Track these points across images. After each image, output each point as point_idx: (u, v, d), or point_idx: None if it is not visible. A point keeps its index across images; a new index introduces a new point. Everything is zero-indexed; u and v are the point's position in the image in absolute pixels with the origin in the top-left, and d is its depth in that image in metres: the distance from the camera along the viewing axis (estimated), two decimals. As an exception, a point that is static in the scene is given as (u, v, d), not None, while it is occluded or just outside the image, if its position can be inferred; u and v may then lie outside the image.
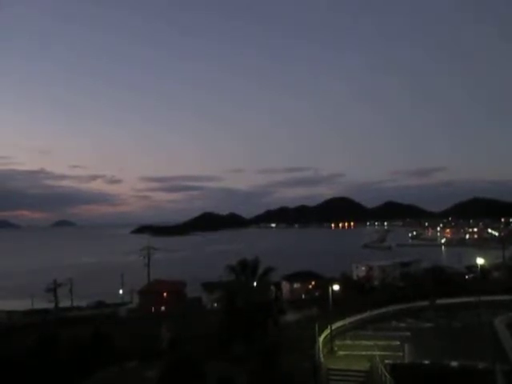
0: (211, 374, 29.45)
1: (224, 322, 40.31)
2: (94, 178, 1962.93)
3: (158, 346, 46.68)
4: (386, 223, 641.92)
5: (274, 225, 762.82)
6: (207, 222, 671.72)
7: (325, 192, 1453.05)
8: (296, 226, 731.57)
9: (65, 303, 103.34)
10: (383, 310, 54.50)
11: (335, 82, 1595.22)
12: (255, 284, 43.36)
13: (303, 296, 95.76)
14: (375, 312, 52.99)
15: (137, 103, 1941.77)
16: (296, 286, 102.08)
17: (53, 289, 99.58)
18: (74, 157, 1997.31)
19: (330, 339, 39.28)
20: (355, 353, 36.86)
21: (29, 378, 32.07)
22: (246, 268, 43.43)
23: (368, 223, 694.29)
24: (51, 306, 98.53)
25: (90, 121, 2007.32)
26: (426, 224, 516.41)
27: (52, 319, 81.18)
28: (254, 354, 32.79)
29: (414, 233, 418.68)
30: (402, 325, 49.62)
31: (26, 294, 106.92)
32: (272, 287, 53.91)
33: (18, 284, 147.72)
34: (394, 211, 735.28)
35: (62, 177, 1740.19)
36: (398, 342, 37.94)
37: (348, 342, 41.18)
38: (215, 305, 77.54)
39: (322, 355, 34.04)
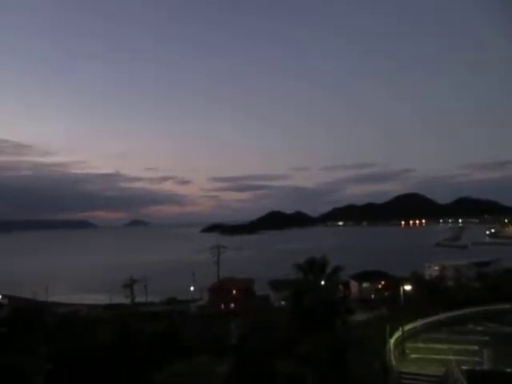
0: (280, 372, 29.66)
1: (292, 321, 40.37)
2: (165, 179, 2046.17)
3: (228, 343, 47.75)
4: (460, 220, 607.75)
5: (341, 223, 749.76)
6: (274, 221, 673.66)
7: (393, 188, 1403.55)
8: (364, 223, 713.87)
9: (140, 299, 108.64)
10: (458, 312, 51.77)
11: (405, 74, 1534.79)
12: (323, 283, 42.98)
13: (372, 296, 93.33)
14: (450, 314, 50.48)
15: (205, 107, 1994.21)
16: (365, 285, 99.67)
17: (129, 285, 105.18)
18: (146, 160, 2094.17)
19: (402, 341, 38.06)
20: (428, 356, 35.44)
21: (107, 369, 34.02)
22: (314, 267, 43.12)
23: (441, 220, 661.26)
24: (128, 301, 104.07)
25: (161, 124, 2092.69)
26: (506, 221, 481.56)
27: (128, 314, 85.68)
28: (322, 353, 32.56)
29: (493, 230, 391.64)
30: (480, 328, 46.87)
31: (104, 290, 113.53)
32: (340, 286, 53.21)
33: (98, 280, 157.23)
34: (469, 207, 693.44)
35: (136, 179, 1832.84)
36: (476, 347, 35.94)
37: (420, 344, 39.66)
38: (283, 303, 77.79)
39: (393, 357, 33.08)
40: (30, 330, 70.82)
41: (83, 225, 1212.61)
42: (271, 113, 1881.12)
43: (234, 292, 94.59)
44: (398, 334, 38.88)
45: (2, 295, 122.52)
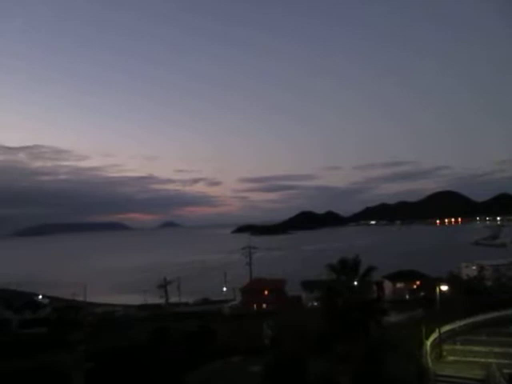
0: (313, 373, 29.57)
1: (325, 321, 40.09)
2: (196, 181, 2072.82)
3: (261, 343, 47.92)
4: (498, 218, 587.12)
5: (373, 222, 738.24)
6: (305, 221, 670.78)
7: (427, 186, 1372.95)
8: (397, 222, 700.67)
9: (173, 299, 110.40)
10: (499, 313, 50.08)
11: (436, 71, 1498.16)
12: (356, 283, 42.49)
13: (407, 296, 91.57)
14: (489, 315, 48.91)
15: (235, 108, 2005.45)
16: (399, 285, 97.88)
17: (163, 285, 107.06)
18: (177, 162, 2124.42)
19: (439, 343, 37.19)
20: (467, 359, 34.50)
21: (144, 368, 34.76)
22: (347, 267, 42.59)
23: (477, 218, 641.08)
24: (162, 301, 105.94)
25: (192, 127, 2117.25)
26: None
27: (163, 314, 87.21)
28: (356, 354, 32.24)
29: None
30: (523, 330, 45.24)
31: (139, 290, 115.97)
32: (374, 287, 52.42)
33: (133, 280, 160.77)
34: (508, 204, 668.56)
35: (168, 181, 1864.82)
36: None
37: (458, 347, 38.65)
38: (315, 303, 77.36)
39: (429, 359, 32.41)
40: (70, 329, 73.16)
41: (118, 227, 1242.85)
42: (302, 113, 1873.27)
43: (266, 292, 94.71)
44: (434, 335, 38.01)
45: (43, 295, 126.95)
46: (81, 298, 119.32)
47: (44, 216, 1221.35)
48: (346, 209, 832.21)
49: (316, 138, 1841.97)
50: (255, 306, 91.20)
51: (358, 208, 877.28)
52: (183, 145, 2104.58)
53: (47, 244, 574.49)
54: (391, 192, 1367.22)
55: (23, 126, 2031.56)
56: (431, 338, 37.70)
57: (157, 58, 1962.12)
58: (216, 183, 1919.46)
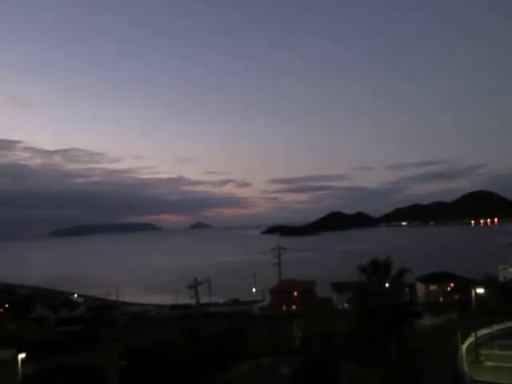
0: (345, 374, 29.27)
1: (356, 323, 39.59)
2: (225, 182, 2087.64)
3: (291, 344, 47.78)
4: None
5: (405, 223, 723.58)
6: (335, 222, 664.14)
7: (462, 186, 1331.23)
8: (431, 223, 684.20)
9: (204, 299, 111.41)
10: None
11: (470, 65, 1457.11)
12: (387, 285, 41.77)
13: (441, 299, 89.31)
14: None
15: (262, 109, 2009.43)
16: (432, 288, 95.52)
17: (194, 286, 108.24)
18: (207, 164, 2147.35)
19: (475, 347, 36.09)
20: (505, 364, 33.33)
21: (176, 367, 35.22)
22: (378, 268, 41.89)
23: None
24: (193, 301, 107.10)
25: (220, 128, 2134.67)
26: None
27: (193, 314, 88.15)
28: (389, 357, 31.69)
29: None
30: None
31: (170, 290, 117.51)
32: (406, 289, 51.47)
33: (164, 280, 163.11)
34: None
35: (198, 183, 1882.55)
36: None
37: (496, 351, 37.41)
38: (346, 305, 76.49)
39: (465, 364, 31.50)
40: (103, 327, 74.94)
41: (149, 228, 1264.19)
42: (330, 112, 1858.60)
43: (296, 294, 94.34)
44: (470, 339, 36.93)
45: (78, 294, 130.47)
46: (114, 298, 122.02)
47: (79, 217, 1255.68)
48: (376, 209, 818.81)
49: (347, 138, 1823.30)
50: (284, 307, 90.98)
51: (389, 208, 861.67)
52: (213, 146, 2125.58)
53: (82, 244, 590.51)
54: (424, 192, 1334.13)
55: (59, 129, 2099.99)
56: (467, 342, 36.66)
57: (189, 59, 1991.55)
58: (245, 184, 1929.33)
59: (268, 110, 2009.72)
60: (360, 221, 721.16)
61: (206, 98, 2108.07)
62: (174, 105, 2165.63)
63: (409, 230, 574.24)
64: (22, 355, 43.30)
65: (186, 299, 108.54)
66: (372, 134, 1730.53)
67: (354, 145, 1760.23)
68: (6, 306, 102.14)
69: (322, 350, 37.02)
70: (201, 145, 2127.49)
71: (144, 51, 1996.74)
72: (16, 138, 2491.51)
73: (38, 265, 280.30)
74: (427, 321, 51.67)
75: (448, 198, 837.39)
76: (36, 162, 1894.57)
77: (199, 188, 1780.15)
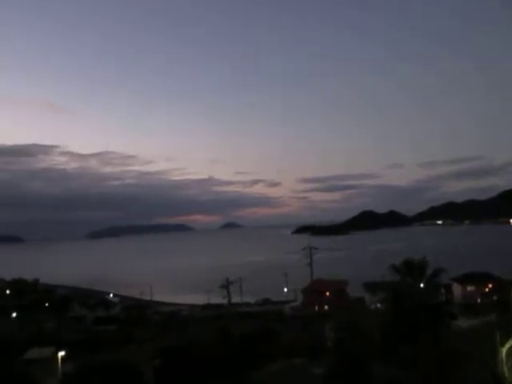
0: (378, 376, 28.90)
1: (390, 324, 39.03)
2: (255, 182, 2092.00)
3: (323, 344, 47.50)
4: None
5: (439, 222, 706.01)
6: (366, 221, 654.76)
7: (498, 183, 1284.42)
8: (466, 222, 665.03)
9: (235, 299, 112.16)
10: None
11: (502, 58, 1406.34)
12: (422, 285, 40.99)
13: (478, 300, 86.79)
14: None
15: (291, 108, 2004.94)
16: (469, 288, 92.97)
17: (225, 286, 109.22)
18: (237, 164, 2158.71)
19: (516, 350, 34.89)
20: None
21: (209, 367, 35.59)
22: (412, 268, 41.16)
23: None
24: (225, 301, 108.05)
25: (249, 128, 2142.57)
26: None
27: (226, 314, 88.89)
28: (424, 358, 31.06)
29: None
30: None
31: (203, 290, 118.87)
32: (442, 289, 50.32)
33: (197, 280, 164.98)
34: None
35: (228, 183, 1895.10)
36: None
37: (538, 354, 36.03)
38: (378, 305, 75.45)
39: (505, 368, 30.49)
40: (138, 327, 76.64)
41: (181, 228, 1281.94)
42: (359, 111, 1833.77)
43: (328, 294, 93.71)
44: (510, 342, 35.71)
45: (114, 294, 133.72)
46: (148, 297, 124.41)
47: (113, 219, 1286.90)
48: (409, 208, 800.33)
49: (377, 136, 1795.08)
50: (317, 307, 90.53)
51: (422, 207, 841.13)
52: (242, 147, 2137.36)
53: (117, 245, 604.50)
54: (458, 190, 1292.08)
55: (93, 133, 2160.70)
56: (507, 345, 35.43)
57: (218, 59, 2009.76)
58: (275, 184, 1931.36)
59: (297, 109, 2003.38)
60: (392, 220, 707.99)
61: (235, 98, 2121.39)
62: (203, 107, 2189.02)
63: (443, 229, 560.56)
64: (61, 353, 44.92)
65: (217, 299, 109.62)
66: (403, 131, 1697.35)
67: (383, 143, 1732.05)
68: (46, 305, 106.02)
69: (354, 350, 36.64)
70: (230, 145, 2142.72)
71: (172, 54, 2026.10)
72: (53, 143, 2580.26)
73: (75, 265, 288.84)
74: (464, 322, 50.37)
75: (483, 196, 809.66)
76: (72, 165, 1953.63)
77: (230, 188, 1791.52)
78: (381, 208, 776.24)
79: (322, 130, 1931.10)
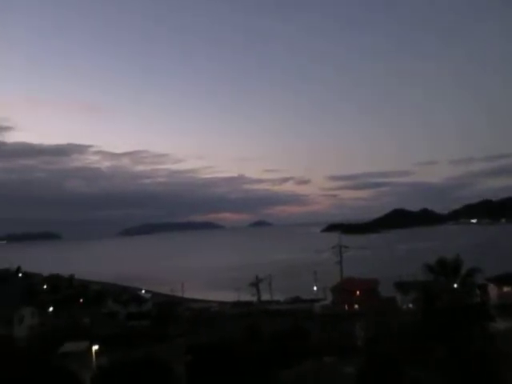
0: (410, 376, 28.40)
1: (422, 324, 38.27)
2: (285, 180, 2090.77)
3: (354, 344, 47.04)
4: None
5: (474, 220, 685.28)
6: (397, 219, 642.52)
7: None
8: (502, 220, 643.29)
9: (265, 297, 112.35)
10: None
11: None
12: (456, 285, 40.00)
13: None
14: None
15: (321, 106, 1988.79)
16: (506, 289, 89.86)
17: (255, 283, 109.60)
18: (266, 162, 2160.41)
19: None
20: None
21: (237, 363, 35.75)
22: (446, 268, 40.23)
23: None
24: (254, 299, 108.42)
25: (278, 126, 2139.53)
26: None
27: (256, 311, 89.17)
28: (457, 360, 30.31)
29: None
30: None
31: (232, 287, 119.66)
32: (476, 290, 48.98)
33: (227, 277, 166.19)
34: None
35: (258, 181, 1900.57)
36: None
37: None
38: (410, 305, 74.03)
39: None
40: (169, 323, 77.86)
41: (211, 226, 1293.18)
42: (390, 107, 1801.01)
43: (358, 293, 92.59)
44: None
45: (146, 290, 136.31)
46: (179, 294, 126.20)
47: (145, 216, 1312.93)
48: (442, 206, 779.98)
49: (409, 132, 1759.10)
50: (347, 306, 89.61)
51: (456, 205, 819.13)
52: (271, 145, 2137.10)
53: (148, 243, 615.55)
54: (494, 187, 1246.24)
55: (126, 133, 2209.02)
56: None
57: (246, 58, 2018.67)
58: (305, 182, 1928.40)
59: (326, 106, 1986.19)
60: (425, 218, 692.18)
61: (264, 96, 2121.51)
62: (233, 105, 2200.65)
63: (479, 228, 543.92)
64: (95, 347, 46.21)
65: (247, 296, 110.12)
66: (436, 127, 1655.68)
67: (416, 140, 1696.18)
68: (81, 300, 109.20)
69: (386, 350, 36.10)
70: (259, 143, 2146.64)
71: (202, 54, 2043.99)
72: (88, 143, 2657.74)
73: (109, 262, 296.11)
74: (501, 324, 48.76)
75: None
76: (106, 164, 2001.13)
77: (259, 186, 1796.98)
78: (413, 206, 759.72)
79: (352, 127, 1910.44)
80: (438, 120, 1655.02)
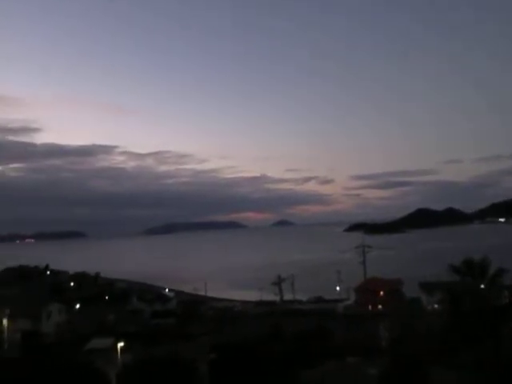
0: (436, 379, 27.96)
1: (448, 326, 37.55)
2: (307, 179, 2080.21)
3: (378, 344, 46.55)
4: None
5: (502, 219, 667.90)
6: (422, 219, 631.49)
7: None
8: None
9: (287, 296, 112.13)
10: None
11: None
12: (483, 286, 39.06)
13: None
14: None
15: (343, 104, 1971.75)
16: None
17: (277, 283, 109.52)
18: (289, 161, 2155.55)
19: None
20: None
21: (261, 362, 35.79)
22: (473, 268, 39.28)
23: None
24: (277, 298, 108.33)
25: (300, 126, 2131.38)
26: None
27: (279, 311, 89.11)
28: (485, 364, 29.68)
29: None
30: None
31: (255, 286, 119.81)
32: (505, 292, 47.67)
33: (249, 277, 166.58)
34: None
35: (280, 180, 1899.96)
36: None
37: None
38: (436, 306, 72.78)
39: None
40: (193, 321, 78.56)
41: (234, 225, 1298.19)
42: (413, 104, 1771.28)
43: (382, 293, 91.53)
44: None
45: (169, 289, 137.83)
46: (202, 293, 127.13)
47: (169, 216, 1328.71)
48: (469, 205, 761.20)
49: (434, 131, 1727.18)
50: (370, 306, 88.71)
51: (482, 204, 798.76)
52: (293, 144, 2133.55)
53: (172, 242, 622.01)
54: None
55: (150, 133, 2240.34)
56: None
57: (271, 60, 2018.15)
58: (328, 181, 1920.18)
59: (348, 105, 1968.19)
60: (451, 217, 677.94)
61: (287, 96, 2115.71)
62: (255, 105, 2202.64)
63: (506, 227, 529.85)
64: (120, 344, 46.99)
65: (269, 296, 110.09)
66: (460, 125, 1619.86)
67: (440, 138, 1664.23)
68: (106, 298, 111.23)
69: (410, 351, 35.60)
70: (282, 143, 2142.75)
71: (225, 55, 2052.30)
72: (114, 143, 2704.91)
73: (133, 260, 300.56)
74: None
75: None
76: (131, 164, 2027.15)
77: (282, 186, 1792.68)
78: (438, 205, 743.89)
79: (374, 126, 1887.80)
80: (463, 118, 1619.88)
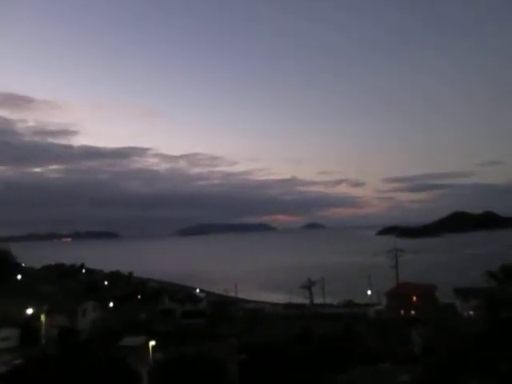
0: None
1: (484, 334, 36.43)
2: (339, 182, 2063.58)
3: (410, 351, 45.60)
4: None
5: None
6: (457, 222, 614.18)
7: None
8: None
9: (317, 300, 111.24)
10: None
11: None
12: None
13: None
14: None
15: (371, 106, 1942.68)
16: None
17: (307, 286, 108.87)
18: (319, 164, 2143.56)
19: None
20: None
21: (290, 364, 35.74)
22: (511, 274, 38.12)
23: None
24: (307, 301, 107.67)
25: (331, 128, 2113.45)
26: None
27: (308, 314, 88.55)
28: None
29: None
30: None
31: (285, 289, 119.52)
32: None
33: (279, 279, 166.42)
34: None
35: (311, 183, 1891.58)
36: None
37: None
38: (471, 313, 70.62)
39: None
40: (223, 322, 79.08)
41: (264, 228, 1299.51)
42: (451, 104, 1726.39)
43: (414, 298, 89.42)
44: None
45: (200, 290, 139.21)
46: (232, 294, 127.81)
47: (201, 217, 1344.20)
48: (508, 209, 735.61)
49: (471, 132, 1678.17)
50: (402, 311, 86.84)
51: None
52: (325, 147, 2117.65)
53: (203, 243, 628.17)
54: None
55: (183, 136, 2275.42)
56: None
57: (300, 62, 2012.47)
58: (359, 184, 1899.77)
59: (374, 108, 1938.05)
60: (488, 221, 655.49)
61: (317, 98, 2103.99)
62: (286, 107, 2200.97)
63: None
64: (152, 342, 47.79)
65: (299, 299, 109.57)
66: (500, 127, 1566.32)
67: (477, 139, 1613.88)
68: (139, 297, 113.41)
69: (445, 360, 34.66)
70: (313, 145, 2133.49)
71: (257, 60, 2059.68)
72: (147, 146, 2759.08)
73: (165, 261, 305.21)
74: None
75: None
76: (163, 166, 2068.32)
77: (313, 188, 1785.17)
78: (475, 209, 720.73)
79: (407, 127, 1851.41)
80: (502, 119, 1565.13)
